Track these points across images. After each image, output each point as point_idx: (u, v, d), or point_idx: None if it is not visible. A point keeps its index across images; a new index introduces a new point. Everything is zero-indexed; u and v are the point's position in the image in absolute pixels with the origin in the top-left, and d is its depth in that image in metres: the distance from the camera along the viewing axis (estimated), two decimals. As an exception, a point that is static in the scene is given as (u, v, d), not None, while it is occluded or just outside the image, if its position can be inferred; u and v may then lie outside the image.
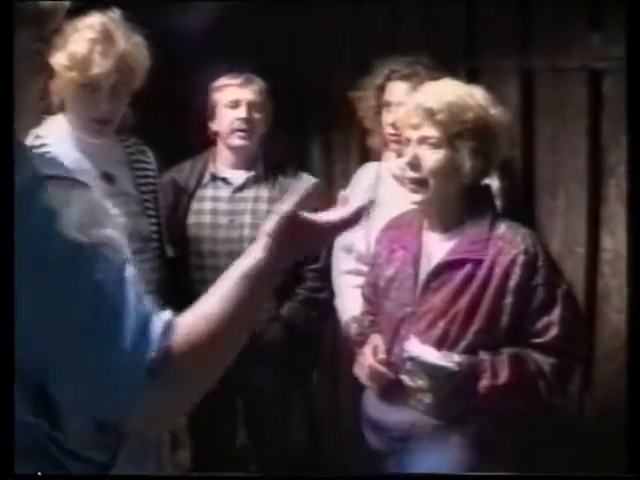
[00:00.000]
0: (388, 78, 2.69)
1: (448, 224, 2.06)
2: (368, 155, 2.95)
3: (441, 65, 2.61)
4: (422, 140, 2.02)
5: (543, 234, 2.74)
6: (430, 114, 1.98)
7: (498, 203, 2.39)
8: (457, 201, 2.05)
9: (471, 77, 2.68)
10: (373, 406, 2.19)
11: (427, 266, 2.06)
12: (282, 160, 2.94)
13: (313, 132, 3.31)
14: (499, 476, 1.82)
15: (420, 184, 2.02)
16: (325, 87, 3.17)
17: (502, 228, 2.02)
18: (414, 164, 2.02)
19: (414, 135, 2.03)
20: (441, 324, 2.00)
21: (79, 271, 1.10)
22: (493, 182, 2.44)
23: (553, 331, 1.98)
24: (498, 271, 1.97)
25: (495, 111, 2.03)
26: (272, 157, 2.90)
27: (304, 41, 3.20)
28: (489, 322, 1.98)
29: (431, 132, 2.00)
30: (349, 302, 2.60)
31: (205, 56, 3.22)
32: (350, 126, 3.02)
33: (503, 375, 1.94)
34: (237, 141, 2.80)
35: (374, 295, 2.22)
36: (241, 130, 2.78)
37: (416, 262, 2.07)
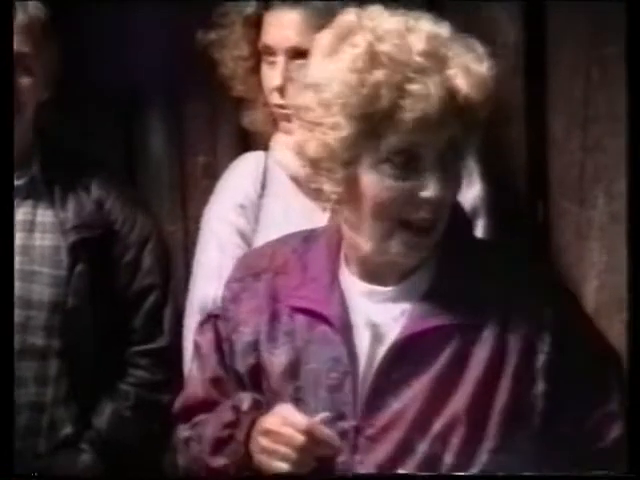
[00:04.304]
0: (265, 6, 2.11)
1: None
2: (246, 140, 2.40)
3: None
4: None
5: (570, 269, 2.28)
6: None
7: (480, 221, 2.10)
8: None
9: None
10: None
11: (375, 347, 1.57)
12: (79, 155, 2.25)
13: (147, 104, 2.53)
14: (499, 476, 1.68)
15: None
16: (163, 26, 2.41)
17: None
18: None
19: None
20: (422, 446, 1.54)
21: None
22: (472, 187, 2.09)
23: (615, 429, 1.60)
24: (514, 337, 1.55)
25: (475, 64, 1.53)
26: (58, 150, 2.21)
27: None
28: (509, 429, 1.56)
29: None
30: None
31: None
32: (214, 93, 2.36)
33: None
34: None
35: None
36: None
37: (349, 342, 1.57)
